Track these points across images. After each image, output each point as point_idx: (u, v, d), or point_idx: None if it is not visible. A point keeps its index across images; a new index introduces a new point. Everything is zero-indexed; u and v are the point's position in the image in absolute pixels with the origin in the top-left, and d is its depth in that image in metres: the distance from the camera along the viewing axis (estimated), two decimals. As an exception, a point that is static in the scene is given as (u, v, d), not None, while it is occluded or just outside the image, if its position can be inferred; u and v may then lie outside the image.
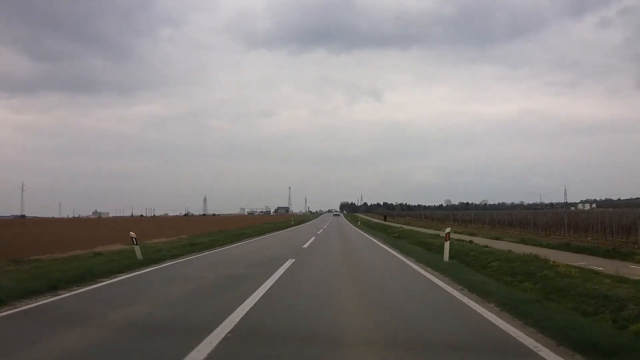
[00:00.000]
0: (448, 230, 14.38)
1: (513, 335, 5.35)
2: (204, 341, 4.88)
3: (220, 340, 4.98)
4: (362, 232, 35.78)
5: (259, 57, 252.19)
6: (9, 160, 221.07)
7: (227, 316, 6.05)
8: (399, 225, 46.04)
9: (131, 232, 14.12)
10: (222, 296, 7.99)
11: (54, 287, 8.41)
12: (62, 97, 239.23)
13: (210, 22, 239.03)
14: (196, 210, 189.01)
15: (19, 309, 6.85)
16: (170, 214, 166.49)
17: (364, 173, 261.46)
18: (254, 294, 7.81)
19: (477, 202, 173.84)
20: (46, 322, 6.19)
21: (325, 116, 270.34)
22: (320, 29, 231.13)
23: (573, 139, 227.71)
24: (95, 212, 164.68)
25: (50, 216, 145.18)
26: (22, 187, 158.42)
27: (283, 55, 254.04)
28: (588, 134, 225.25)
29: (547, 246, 17.00)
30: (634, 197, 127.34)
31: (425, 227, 39.34)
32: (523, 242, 20.12)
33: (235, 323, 5.75)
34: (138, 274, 10.81)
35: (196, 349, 4.62)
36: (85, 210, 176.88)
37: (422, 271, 11.32)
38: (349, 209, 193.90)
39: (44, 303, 7.31)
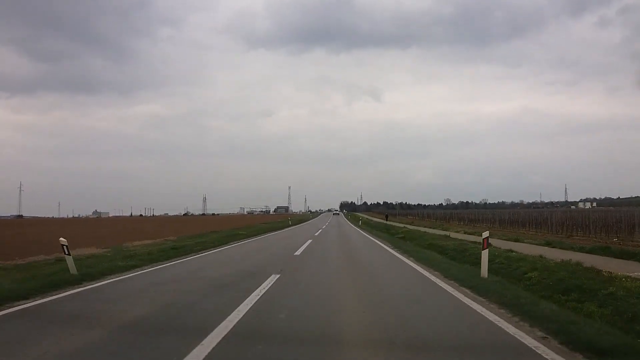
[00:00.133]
0: (486, 234, 10.11)
1: None
2: None
3: None
4: (364, 233, 33.31)
5: (258, 57, 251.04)
6: (8, 160, 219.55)
7: None
8: (402, 225, 43.67)
9: (61, 239, 10.30)
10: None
11: None
12: (62, 97, 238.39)
13: (210, 22, 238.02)
14: (196, 210, 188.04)
15: None
16: (170, 213, 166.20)
17: (364, 173, 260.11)
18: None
19: (477, 201, 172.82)
20: None
21: (325, 116, 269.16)
22: (320, 28, 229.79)
23: (573, 138, 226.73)
24: (95, 212, 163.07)
25: (50, 216, 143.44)
26: (20, 187, 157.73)
27: (283, 55, 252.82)
28: (588, 132, 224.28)
29: (581, 250, 14.61)
30: (634, 196, 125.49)
31: (430, 227, 37.07)
32: (549, 244, 17.55)
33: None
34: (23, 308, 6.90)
35: None
36: (85, 210, 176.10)
37: (461, 297, 7.78)
38: (349, 209, 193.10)
39: None
